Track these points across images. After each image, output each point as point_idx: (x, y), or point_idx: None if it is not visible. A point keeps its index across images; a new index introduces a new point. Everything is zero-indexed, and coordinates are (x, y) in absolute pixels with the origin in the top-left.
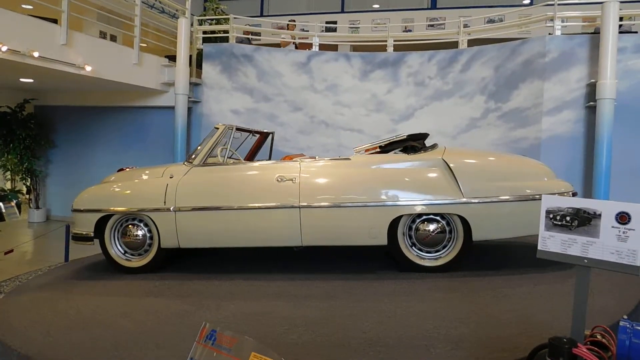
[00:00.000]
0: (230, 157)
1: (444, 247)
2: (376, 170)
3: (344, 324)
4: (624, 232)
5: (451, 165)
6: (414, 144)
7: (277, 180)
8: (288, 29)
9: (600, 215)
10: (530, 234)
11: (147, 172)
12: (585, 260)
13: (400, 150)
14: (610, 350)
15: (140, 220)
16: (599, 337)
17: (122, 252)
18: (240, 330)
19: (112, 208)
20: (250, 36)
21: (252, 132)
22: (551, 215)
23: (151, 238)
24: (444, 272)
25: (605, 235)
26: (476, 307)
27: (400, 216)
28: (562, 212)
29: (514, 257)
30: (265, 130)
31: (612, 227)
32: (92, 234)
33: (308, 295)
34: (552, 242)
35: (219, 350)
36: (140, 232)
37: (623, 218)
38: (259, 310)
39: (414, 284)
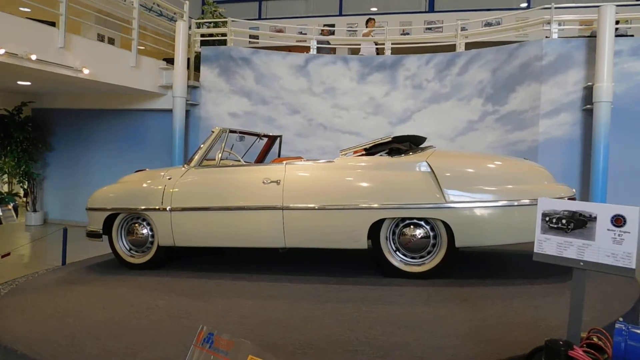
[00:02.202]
0: (230, 159)
1: (428, 253)
2: (358, 173)
3: (293, 326)
4: (619, 235)
5: (434, 168)
6: (398, 146)
7: (263, 182)
8: (367, 26)
9: (595, 218)
10: (520, 242)
11: (153, 173)
12: (581, 263)
13: (386, 153)
14: (606, 352)
15: (144, 220)
16: (595, 339)
17: (128, 249)
18: (191, 325)
19: (117, 207)
20: (329, 45)
21: (260, 135)
22: (547, 218)
23: (152, 236)
24: (428, 278)
25: (601, 238)
26: (439, 314)
27: (383, 220)
28: (558, 215)
29: (509, 263)
30: (272, 134)
31: (608, 229)
32: (100, 231)
33: (279, 296)
34: (548, 244)
35: (216, 353)
36: (144, 231)
37: (618, 221)
38: (224, 308)
39: (390, 290)
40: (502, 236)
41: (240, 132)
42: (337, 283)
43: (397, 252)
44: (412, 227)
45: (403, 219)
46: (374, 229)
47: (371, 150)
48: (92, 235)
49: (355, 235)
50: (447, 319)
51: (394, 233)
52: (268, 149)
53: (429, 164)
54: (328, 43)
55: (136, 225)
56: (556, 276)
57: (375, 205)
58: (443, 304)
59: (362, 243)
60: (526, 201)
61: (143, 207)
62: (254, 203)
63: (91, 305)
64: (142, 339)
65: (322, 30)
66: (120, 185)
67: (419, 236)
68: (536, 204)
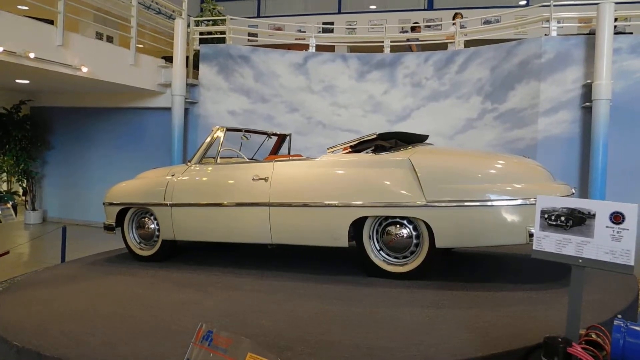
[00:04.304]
0: (237, 157)
1: (411, 253)
2: (341, 171)
3: (245, 319)
4: (618, 232)
5: (416, 165)
6: (383, 143)
7: (253, 179)
8: (455, 19)
9: (594, 215)
10: (508, 244)
11: (161, 171)
12: (580, 260)
13: (372, 150)
14: (604, 349)
15: (151, 214)
16: (593, 336)
17: (138, 242)
18: (154, 314)
19: (127, 202)
20: (417, 42)
21: (269, 134)
22: (546, 215)
23: (158, 230)
24: (411, 279)
25: (600, 235)
26: (397, 315)
27: (365, 218)
28: (556, 212)
29: (503, 267)
30: (282, 132)
31: (607, 227)
32: (114, 224)
33: (254, 290)
34: (547, 242)
35: (215, 351)
36: (152, 225)
37: (617, 218)
38: (193, 299)
39: (363, 289)
40: (486, 238)
41: (247, 131)
42: (317, 281)
43: (381, 252)
44: (397, 226)
45: (386, 218)
46: (358, 228)
47: (357, 148)
48: (107, 228)
49: (336, 233)
50: (402, 321)
51: (377, 232)
52: (278, 147)
53: (411, 162)
54: (417, 40)
55: (145, 219)
56: (543, 282)
57: (356, 203)
58: (407, 306)
59: (343, 241)
60: (514, 201)
61: (149, 202)
62: (244, 200)
63: (78, 296)
64: (104, 325)
65: (415, 27)
66: (133, 181)
67: (401, 235)
68: (525, 204)
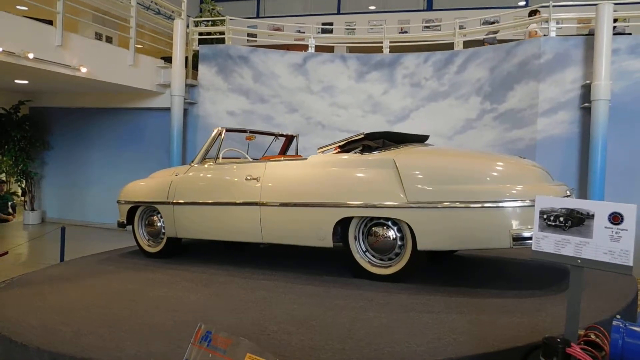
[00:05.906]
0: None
1: (396, 255)
2: (326, 171)
3: (206, 316)
4: (616, 233)
5: (399, 166)
6: (369, 143)
7: (246, 179)
8: (531, 15)
9: (593, 215)
10: (493, 247)
11: (168, 170)
12: (579, 261)
13: (359, 150)
14: (603, 349)
15: (158, 212)
16: (592, 336)
17: (147, 239)
18: (130, 307)
19: (136, 200)
20: (493, 35)
21: (276, 135)
22: (545, 216)
23: (164, 228)
24: (395, 281)
25: (599, 236)
26: (362, 317)
27: (349, 219)
28: (555, 213)
29: (502, 272)
30: (289, 134)
31: (605, 227)
32: (125, 222)
33: (239, 288)
34: (545, 242)
35: (214, 351)
36: (159, 223)
37: (616, 218)
38: (177, 295)
39: (344, 290)
40: (468, 241)
41: (252, 132)
42: (302, 281)
43: (367, 253)
44: (382, 227)
45: (371, 219)
46: (345, 228)
47: (345, 148)
48: (120, 225)
49: (321, 233)
50: (362, 323)
51: (362, 233)
52: (286, 148)
53: (395, 162)
54: (494, 33)
55: (153, 217)
56: (538, 286)
57: (339, 204)
58: (376, 309)
59: (328, 241)
60: (497, 203)
61: (155, 201)
62: (238, 199)
63: (71, 292)
64: (81, 316)
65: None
66: (145, 180)
67: (386, 237)
68: (510, 207)
